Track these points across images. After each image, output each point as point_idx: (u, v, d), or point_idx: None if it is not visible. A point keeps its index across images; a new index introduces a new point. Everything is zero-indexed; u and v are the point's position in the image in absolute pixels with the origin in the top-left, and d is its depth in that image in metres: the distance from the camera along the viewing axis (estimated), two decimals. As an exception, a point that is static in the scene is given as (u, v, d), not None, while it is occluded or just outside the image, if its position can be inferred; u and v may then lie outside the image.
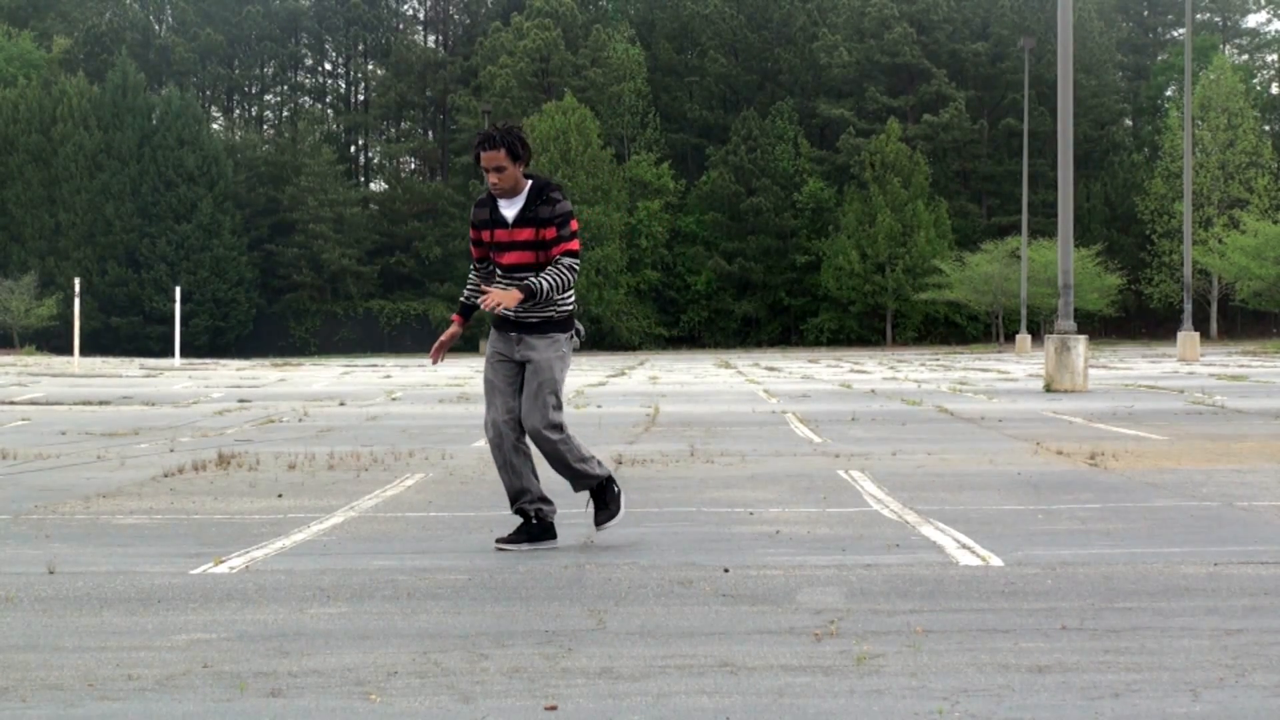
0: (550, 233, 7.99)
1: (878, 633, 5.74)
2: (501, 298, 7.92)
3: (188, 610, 6.39)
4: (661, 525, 9.14)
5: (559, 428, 8.02)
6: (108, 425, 19.25)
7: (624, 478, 11.98)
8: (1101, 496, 10.38)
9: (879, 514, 9.57)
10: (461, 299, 8.35)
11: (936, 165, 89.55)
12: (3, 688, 4.95)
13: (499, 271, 8.13)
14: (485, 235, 8.10)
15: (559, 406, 8.07)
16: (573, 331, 8.20)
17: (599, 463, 8.24)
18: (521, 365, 8.12)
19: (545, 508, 8.17)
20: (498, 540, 8.17)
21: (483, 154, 7.95)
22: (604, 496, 8.23)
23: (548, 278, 7.96)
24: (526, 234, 8.00)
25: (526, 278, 8.04)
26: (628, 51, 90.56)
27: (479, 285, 8.29)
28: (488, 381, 8.19)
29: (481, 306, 8.05)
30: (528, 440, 8.11)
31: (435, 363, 8.59)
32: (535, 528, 8.15)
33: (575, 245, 8.09)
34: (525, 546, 8.09)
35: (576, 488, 8.26)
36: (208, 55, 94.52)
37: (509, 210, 8.03)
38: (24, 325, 75.55)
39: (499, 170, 7.94)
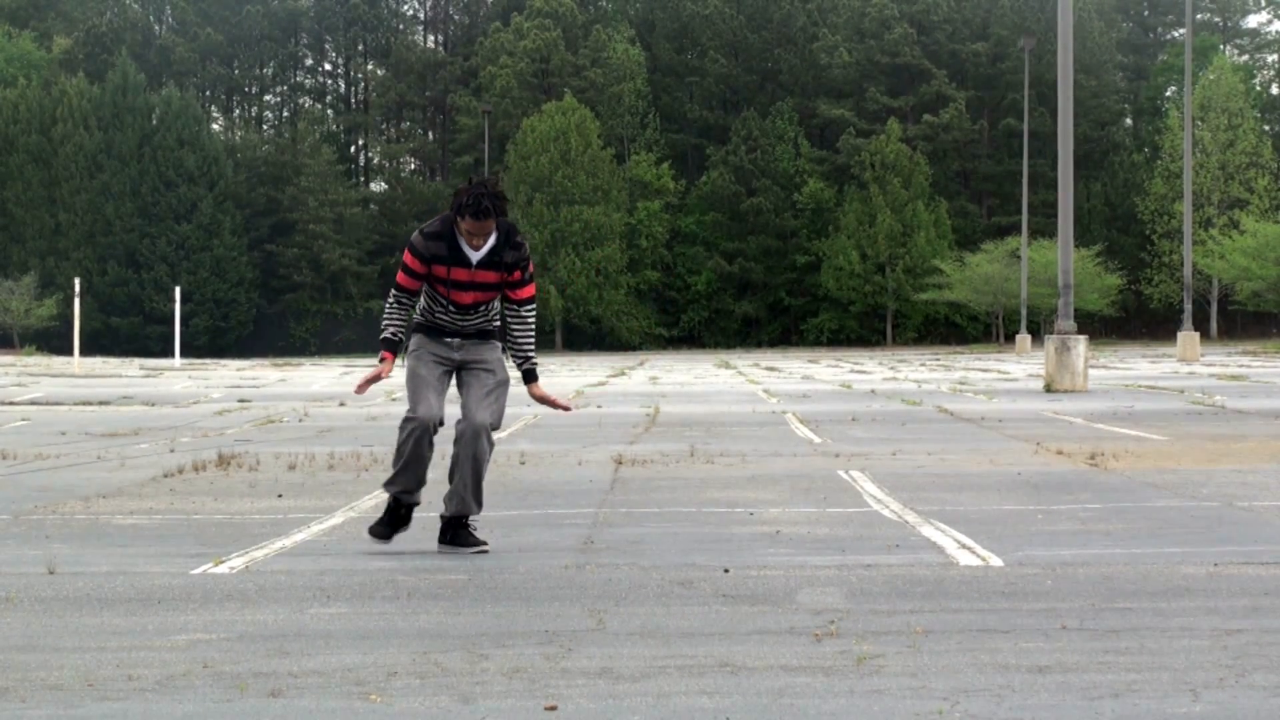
0: (516, 275, 7.93)
1: (878, 633, 5.74)
2: (561, 404, 8.28)
3: (188, 610, 6.39)
4: (661, 525, 9.14)
5: (494, 434, 7.99)
6: (108, 425, 19.25)
7: (624, 478, 12.00)
8: (1101, 497, 10.37)
9: (879, 514, 9.57)
10: (387, 335, 8.00)
11: (936, 165, 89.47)
12: (3, 688, 4.95)
13: (452, 308, 7.92)
14: (440, 270, 7.85)
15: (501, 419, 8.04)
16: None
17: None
18: (456, 369, 8.03)
19: (419, 498, 8.15)
20: (370, 530, 8.18)
21: (474, 222, 7.70)
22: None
23: (528, 342, 8.06)
24: (491, 276, 7.89)
25: (490, 325, 8.03)
26: (628, 52, 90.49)
27: (404, 320, 8.07)
28: (419, 377, 7.92)
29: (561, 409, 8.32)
30: (467, 438, 7.86)
31: (360, 392, 8.14)
32: (403, 517, 8.09)
33: (534, 288, 8.09)
34: (389, 535, 8.10)
35: (455, 507, 7.94)
36: (208, 55, 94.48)
37: (473, 252, 7.86)
38: (24, 325, 75.50)
39: (485, 235, 7.79)
